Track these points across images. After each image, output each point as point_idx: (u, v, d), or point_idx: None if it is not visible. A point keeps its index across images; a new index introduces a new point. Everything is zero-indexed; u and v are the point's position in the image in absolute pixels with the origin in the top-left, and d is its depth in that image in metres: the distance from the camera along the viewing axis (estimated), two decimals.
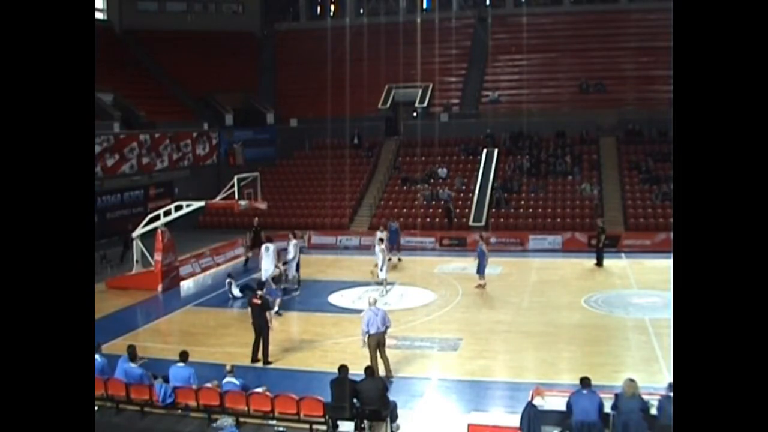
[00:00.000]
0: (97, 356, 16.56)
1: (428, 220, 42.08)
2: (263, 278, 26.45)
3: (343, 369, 15.56)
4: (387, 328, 18.79)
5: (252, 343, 20.34)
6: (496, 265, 32.00)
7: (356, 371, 15.76)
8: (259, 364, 20.12)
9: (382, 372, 18.19)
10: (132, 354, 17.04)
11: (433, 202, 43.75)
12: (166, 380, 16.42)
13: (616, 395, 13.78)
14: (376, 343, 18.52)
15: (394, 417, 15.31)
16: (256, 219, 35.89)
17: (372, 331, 18.47)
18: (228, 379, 16.34)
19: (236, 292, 28.63)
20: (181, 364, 16.62)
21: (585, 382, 14.05)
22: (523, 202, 42.80)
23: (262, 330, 20.01)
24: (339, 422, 15.19)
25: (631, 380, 13.90)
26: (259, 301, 20.10)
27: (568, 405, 13.84)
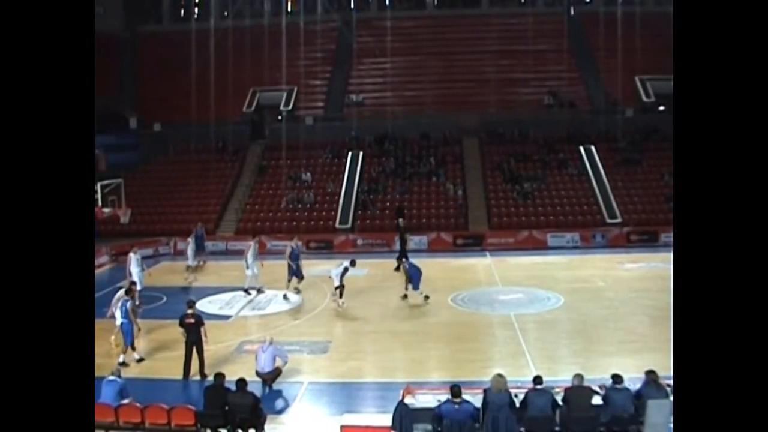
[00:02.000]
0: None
1: (294, 223, 41.95)
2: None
3: (218, 376, 15.38)
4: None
5: (183, 361, 19.47)
6: (362, 267, 32.14)
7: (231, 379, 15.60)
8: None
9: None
10: None
11: (299, 205, 43.68)
12: None
13: (485, 390, 13.98)
14: None
15: (259, 429, 15.10)
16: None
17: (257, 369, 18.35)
18: (111, 377, 15.86)
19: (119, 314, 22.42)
20: None
21: (455, 392, 13.75)
22: (388, 204, 43.17)
23: (195, 345, 19.40)
24: (211, 430, 14.96)
25: (499, 375, 14.12)
26: (192, 320, 19.49)
27: (438, 414, 13.75)
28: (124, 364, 20.19)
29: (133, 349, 20.82)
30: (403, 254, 32.98)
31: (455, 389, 13.71)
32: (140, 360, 20.79)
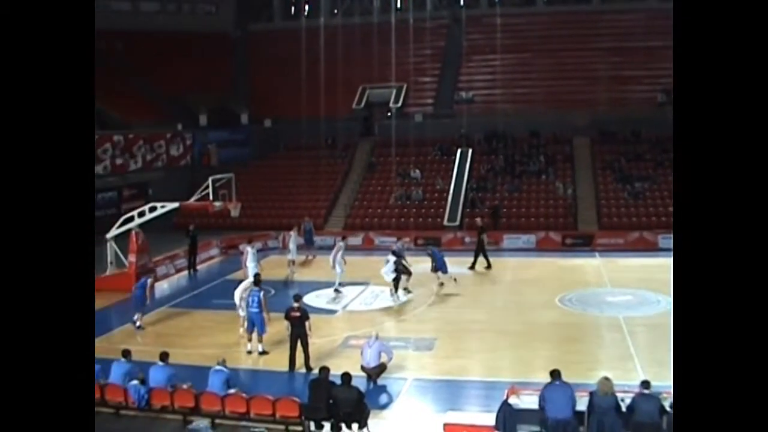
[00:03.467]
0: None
1: (402, 220, 42.13)
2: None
3: (323, 370, 15.58)
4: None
5: (288, 354, 19.97)
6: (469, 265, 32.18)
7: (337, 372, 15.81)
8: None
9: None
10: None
11: (407, 202, 43.86)
12: (143, 382, 16.21)
13: (591, 393, 13.83)
14: None
15: (362, 423, 15.20)
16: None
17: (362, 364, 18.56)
18: (218, 367, 16.32)
19: (244, 304, 22.27)
20: (161, 364, 16.54)
21: (555, 374, 14.22)
22: (497, 202, 42.88)
23: (300, 339, 19.80)
24: (315, 423, 15.15)
25: (606, 378, 13.94)
26: (298, 314, 19.88)
27: (541, 399, 13.88)
28: (264, 352, 21.14)
29: (260, 340, 21.32)
30: (478, 254, 33.25)
31: (555, 371, 14.30)
32: (263, 353, 21.23)
